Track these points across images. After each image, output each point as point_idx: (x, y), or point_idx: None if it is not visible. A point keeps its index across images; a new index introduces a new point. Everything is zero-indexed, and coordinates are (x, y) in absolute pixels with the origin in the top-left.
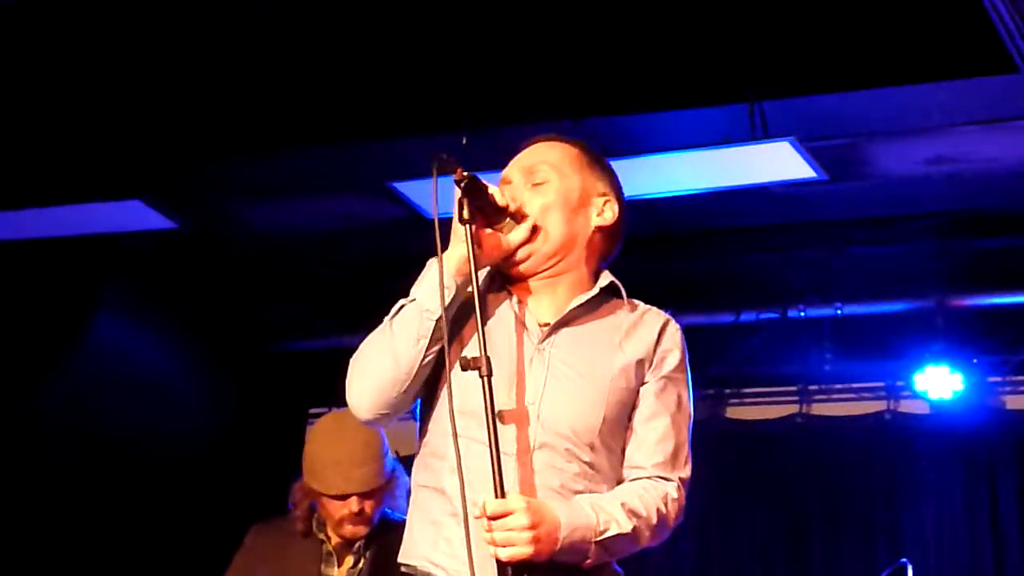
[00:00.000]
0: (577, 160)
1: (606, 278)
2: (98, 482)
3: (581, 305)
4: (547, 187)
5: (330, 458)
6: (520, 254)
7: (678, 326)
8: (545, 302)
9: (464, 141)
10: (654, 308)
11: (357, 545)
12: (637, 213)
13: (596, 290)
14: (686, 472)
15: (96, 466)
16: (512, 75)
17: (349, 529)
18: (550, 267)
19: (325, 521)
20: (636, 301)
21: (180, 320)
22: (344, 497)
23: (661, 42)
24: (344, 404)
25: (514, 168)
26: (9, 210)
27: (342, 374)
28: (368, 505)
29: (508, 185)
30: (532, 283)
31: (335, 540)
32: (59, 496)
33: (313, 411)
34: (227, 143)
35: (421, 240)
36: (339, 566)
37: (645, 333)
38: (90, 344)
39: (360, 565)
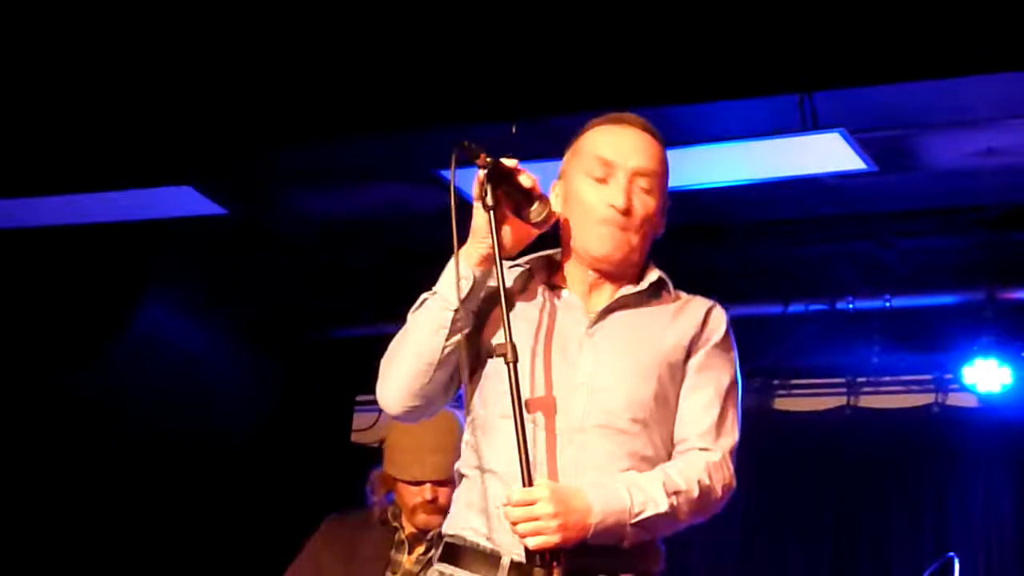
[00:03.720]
0: (666, 170)
1: (654, 273)
2: (143, 469)
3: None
4: (650, 198)
5: (408, 445)
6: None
7: (723, 309)
8: (597, 293)
9: (513, 130)
10: (699, 296)
11: (431, 534)
12: (686, 204)
13: (645, 285)
14: (731, 439)
15: (141, 453)
16: (561, 64)
17: (423, 518)
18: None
19: (400, 510)
20: (680, 292)
21: (227, 306)
22: (419, 484)
23: (711, 32)
24: None
25: (628, 162)
26: (59, 195)
27: None
28: (443, 494)
29: (614, 173)
30: (581, 270)
31: (409, 530)
32: (105, 482)
33: (360, 398)
34: (277, 130)
35: (468, 228)
36: (409, 554)
37: (691, 315)
38: (137, 330)
39: (431, 554)
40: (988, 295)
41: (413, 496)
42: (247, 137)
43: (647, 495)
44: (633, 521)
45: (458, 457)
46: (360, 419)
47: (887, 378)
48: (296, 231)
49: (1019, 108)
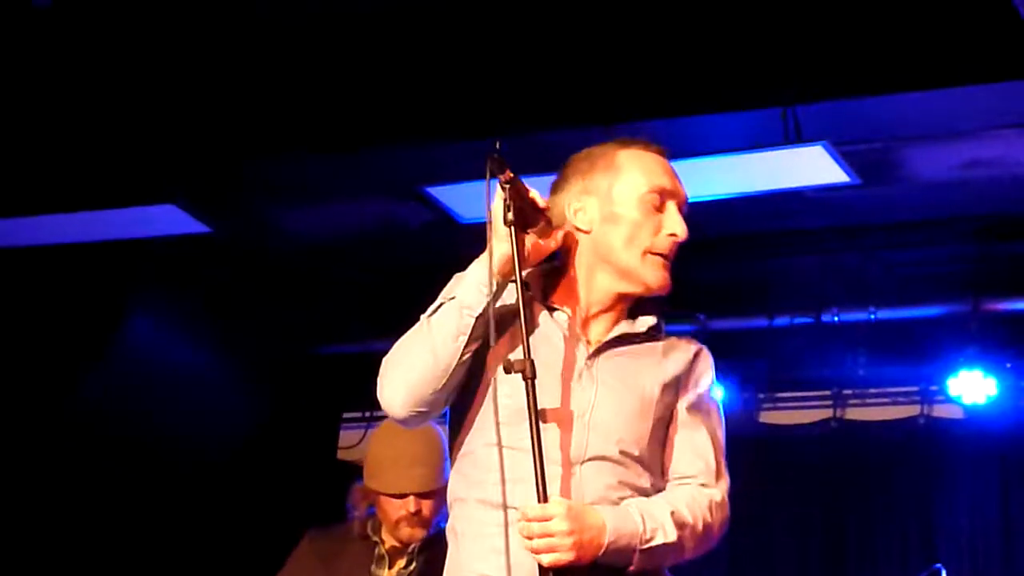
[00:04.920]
0: None
1: (652, 317)
2: (131, 485)
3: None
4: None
5: (389, 457)
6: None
7: (709, 353)
8: (596, 322)
9: (497, 146)
10: (684, 338)
11: (411, 548)
12: None
13: (644, 328)
14: (727, 481)
15: (129, 469)
16: (544, 80)
17: (406, 531)
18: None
19: (382, 523)
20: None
21: (213, 324)
22: (402, 496)
23: (694, 47)
24: (378, 408)
25: (679, 193)
26: (44, 214)
27: (373, 378)
28: (426, 506)
29: (675, 203)
30: (588, 293)
31: (389, 543)
32: (92, 499)
33: (346, 415)
34: (261, 147)
35: (453, 244)
36: (390, 568)
37: (681, 354)
38: (124, 348)
39: (412, 567)
40: (973, 306)
41: (396, 509)
42: (231, 155)
43: (657, 523)
44: (642, 547)
45: (440, 469)
46: (346, 436)
47: (873, 390)
48: (281, 248)
49: (1001, 120)
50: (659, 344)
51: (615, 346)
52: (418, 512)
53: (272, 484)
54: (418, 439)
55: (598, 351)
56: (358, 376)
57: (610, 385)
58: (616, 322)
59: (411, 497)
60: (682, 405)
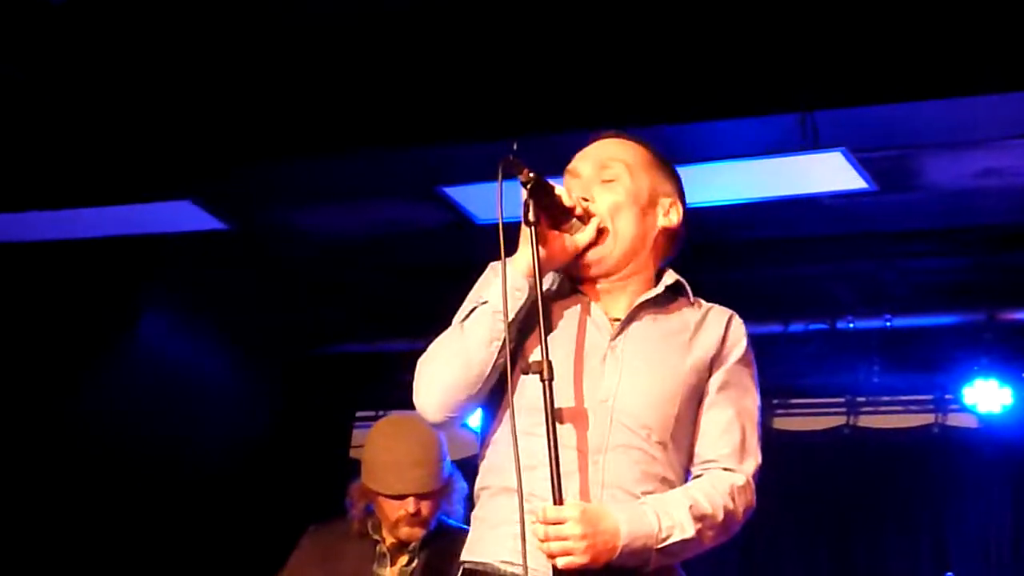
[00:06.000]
0: (646, 160)
1: (671, 277)
2: (140, 484)
3: (649, 301)
4: (617, 185)
5: (388, 459)
6: (591, 256)
7: (742, 321)
8: (615, 303)
9: (515, 147)
10: (717, 306)
11: (412, 546)
12: (686, 222)
13: (662, 288)
14: (755, 461)
15: (139, 467)
16: (561, 83)
17: (405, 531)
18: (620, 267)
19: (381, 523)
20: (699, 299)
21: (226, 321)
22: (401, 497)
23: (712, 51)
24: (392, 407)
25: (585, 161)
26: (59, 209)
27: (388, 378)
28: (425, 507)
29: (576, 179)
30: (601, 284)
31: (390, 541)
32: (101, 498)
33: (359, 414)
34: (277, 146)
35: (470, 244)
36: (392, 566)
37: (712, 330)
38: (136, 344)
39: (414, 565)
40: (988, 315)
41: (395, 510)
42: (248, 152)
43: (674, 520)
44: (659, 546)
45: (439, 469)
46: (360, 435)
47: (887, 398)
48: (296, 247)
49: (1020, 128)
50: (690, 317)
51: (640, 321)
52: (417, 513)
53: (285, 483)
54: (416, 440)
55: (621, 328)
56: (372, 375)
57: (636, 367)
58: (635, 297)
59: (410, 498)
60: (713, 384)
